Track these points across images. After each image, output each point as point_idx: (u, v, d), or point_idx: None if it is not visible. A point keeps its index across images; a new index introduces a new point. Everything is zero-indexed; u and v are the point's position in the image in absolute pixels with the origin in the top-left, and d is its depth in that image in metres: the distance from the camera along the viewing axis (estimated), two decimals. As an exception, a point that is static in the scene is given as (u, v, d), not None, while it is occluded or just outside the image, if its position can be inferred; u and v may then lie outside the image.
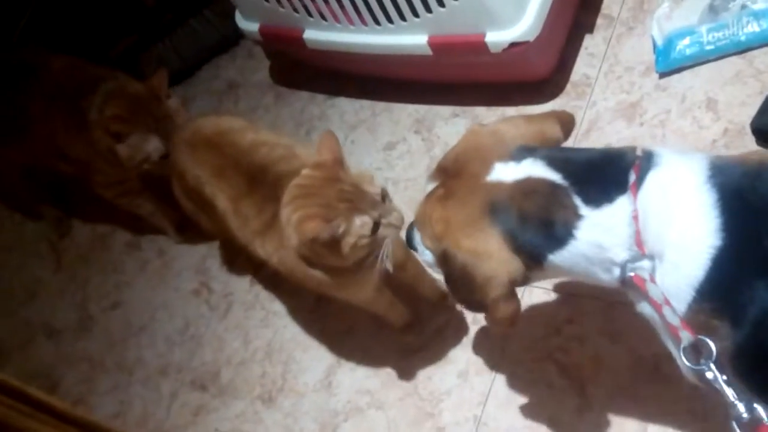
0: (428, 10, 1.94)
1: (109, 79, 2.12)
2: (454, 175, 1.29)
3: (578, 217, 1.17)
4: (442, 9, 1.91)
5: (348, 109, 2.44)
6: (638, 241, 1.14)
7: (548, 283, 1.81)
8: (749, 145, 1.75)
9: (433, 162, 1.74)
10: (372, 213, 1.49)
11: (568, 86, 2.08)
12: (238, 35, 2.70)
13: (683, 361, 1.11)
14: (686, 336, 1.10)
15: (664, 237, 1.12)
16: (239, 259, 2.28)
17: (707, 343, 1.09)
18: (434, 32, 1.99)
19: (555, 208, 1.18)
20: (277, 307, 2.18)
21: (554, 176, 1.20)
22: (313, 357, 2.04)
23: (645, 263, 1.15)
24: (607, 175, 1.19)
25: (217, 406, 2.10)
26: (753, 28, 1.84)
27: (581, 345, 1.73)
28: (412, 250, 1.47)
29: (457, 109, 2.22)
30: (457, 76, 2.20)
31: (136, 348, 2.34)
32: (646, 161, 1.17)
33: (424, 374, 1.87)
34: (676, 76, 1.95)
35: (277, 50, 2.61)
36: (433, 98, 2.28)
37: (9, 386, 1.31)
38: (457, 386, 1.82)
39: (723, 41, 1.87)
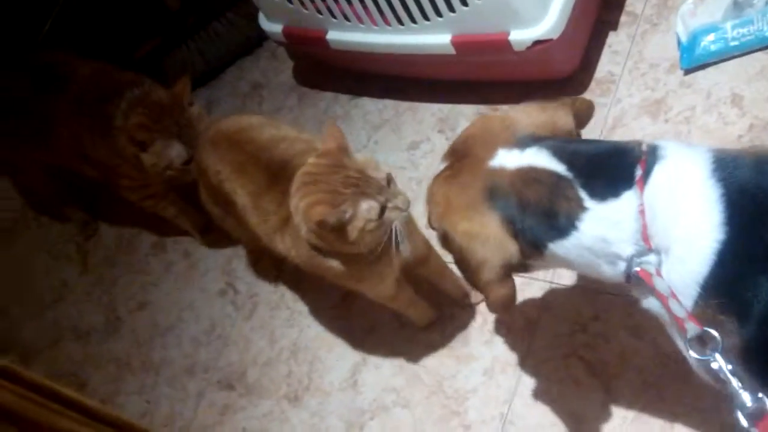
0: (451, 9, 1.94)
1: (135, 85, 2.13)
2: (461, 156, 1.32)
3: (582, 209, 1.18)
4: (465, 8, 1.91)
5: (371, 109, 2.45)
6: (645, 235, 1.15)
7: (572, 280, 1.81)
8: (775, 140, 1.75)
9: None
10: (378, 197, 1.50)
11: (593, 84, 2.08)
12: (262, 37, 2.72)
13: (689, 353, 1.11)
14: (692, 327, 1.10)
15: (671, 232, 1.13)
16: (264, 261, 2.29)
17: (713, 334, 1.08)
18: (457, 31, 2.00)
19: (558, 198, 1.19)
20: (302, 306, 2.19)
21: (559, 167, 1.21)
22: (338, 356, 2.05)
23: (651, 258, 1.15)
24: (613, 169, 1.19)
25: (244, 406, 2.11)
26: (778, 23, 1.84)
27: (606, 342, 1.73)
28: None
29: (481, 107, 2.22)
30: (480, 75, 2.20)
31: (163, 348, 2.36)
32: (651, 156, 1.17)
33: (449, 372, 1.88)
34: (700, 73, 1.94)
35: (300, 51, 2.63)
36: (457, 97, 2.28)
37: (39, 385, 1.32)
38: (482, 384, 1.82)
39: (748, 37, 1.86)
